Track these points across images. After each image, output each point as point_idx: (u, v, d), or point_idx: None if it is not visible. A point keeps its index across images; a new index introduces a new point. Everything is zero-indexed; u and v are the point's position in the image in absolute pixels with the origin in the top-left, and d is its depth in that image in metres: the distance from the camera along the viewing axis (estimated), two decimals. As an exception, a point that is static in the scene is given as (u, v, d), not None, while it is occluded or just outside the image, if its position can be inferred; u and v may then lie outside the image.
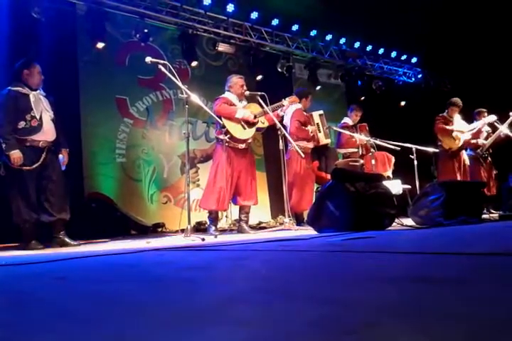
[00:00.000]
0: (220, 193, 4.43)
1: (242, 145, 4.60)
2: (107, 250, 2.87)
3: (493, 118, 6.33)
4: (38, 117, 3.63)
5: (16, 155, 3.49)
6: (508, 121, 6.31)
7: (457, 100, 6.44)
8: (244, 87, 4.68)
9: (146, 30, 6.29)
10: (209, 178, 4.63)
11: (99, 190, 5.79)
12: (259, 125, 4.68)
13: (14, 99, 3.60)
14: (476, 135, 6.48)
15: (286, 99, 4.75)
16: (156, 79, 6.40)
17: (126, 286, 1.21)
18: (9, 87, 3.64)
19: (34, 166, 3.59)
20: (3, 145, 3.52)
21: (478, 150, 6.52)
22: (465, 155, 6.46)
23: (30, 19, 5.26)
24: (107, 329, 0.73)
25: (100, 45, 5.90)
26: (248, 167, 4.67)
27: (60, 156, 3.82)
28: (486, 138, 6.52)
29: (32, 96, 3.66)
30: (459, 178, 6.18)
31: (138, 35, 6.28)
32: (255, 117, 4.59)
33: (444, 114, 6.45)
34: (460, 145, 6.31)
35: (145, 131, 6.45)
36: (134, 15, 6.32)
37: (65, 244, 3.64)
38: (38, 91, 3.75)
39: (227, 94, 4.69)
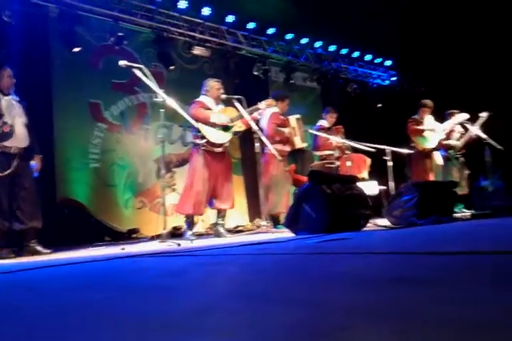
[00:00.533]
0: (196, 197, 4.40)
1: (219, 149, 4.58)
2: (79, 257, 2.82)
3: (464, 116, 6.46)
4: (9, 123, 3.55)
5: (-14, 161, 3.40)
6: (479, 121, 6.46)
7: (427, 101, 6.58)
8: (221, 91, 4.66)
9: (120, 34, 6.22)
10: (186, 183, 4.59)
11: (72, 196, 5.69)
12: (236, 129, 4.67)
13: None
14: (449, 135, 6.62)
15: (263, 102, 4.75)
16: (130, 83, 6.33)
17: (99, 295, 1.18)
18: (-20, 93, 3.56)
19: (6, 173, 3.51)
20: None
21: (451, 151, 6.65)
22: (438, 156, 6.58)
23: (0, 22, 5.14)
24: (78, 340, 0.71)
25: (76, 49, 5.82)
26: (225, 171, 4.65)
27: (33, 162, 3.75)
28: (459, 139, 6.66)
29: (4, 101, 3.59)
30: (431, 178, 6.28)
31: (112, 39, 6.21)
32: (232, 121, 4.58)
33: (416, 116, 6.58)
34: (433, 145, 6.42)
35: (120, 135, 6.37)
36: (108, 18, 6.25)
37: (37, 253, 3.56)
38: (11, 96, 3.68)
39: (203, 98, 4.67)
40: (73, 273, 1.95)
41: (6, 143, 3.55)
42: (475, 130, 6.41)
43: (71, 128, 5.89)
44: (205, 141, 4.43)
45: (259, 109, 4.71)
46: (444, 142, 6.57)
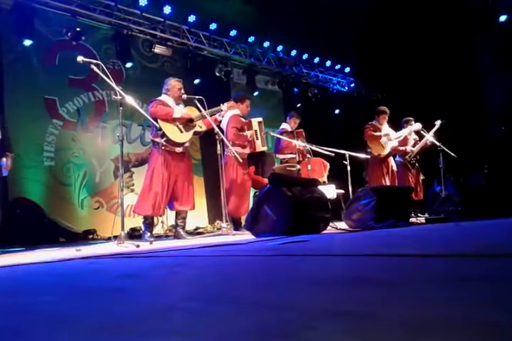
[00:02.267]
0: (155, 198, 4.31)
1: (179, 149, 4.52)
2: (33, 259, 2.69)
3: (418, 126, 6.69)
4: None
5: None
6: (433, 129, 6.70)
7: (384, 108, 6.75)
8: (182, 90, 4.60)
9: (78, 29, 6.05)
10: (144, 183, 4.50)
11: (25, 195, 5.48)
12: (197, 129, 4.62)
13: None
14: (404, 142, 6.81)
15: (225, 103, 4.74)
16: (88, 80, 6.17)
17: (53, 298, 1.12)
18: None
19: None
20: None
21: (407, 157, 6.85)
22: (393, 162, 6.77)
23: None
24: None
25: (28, 42, 5.60)
26: (185, 171, 4.59)
27: (4, 160, 3.58)
28: (414, 146, 6.88)
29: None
30: (387, 183, 6.44)
31: (69, 34, 6.03)
32: (193, 121, 4.53)
33: (373, 122, 6.73)
34: (388, 151, 6.59)
35: (75, 133, 6.20)
36: (66, 12, 6.07)
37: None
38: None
39: (163, 97, 4.59)
40: (26, 275, 1.86)
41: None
42: (429, 137, 6.63)
43: (24, 124, 5.68)
44: (164, 139, 4.35)
45: (221, 110, 4.68)
46: (400, 148, 6.76)
